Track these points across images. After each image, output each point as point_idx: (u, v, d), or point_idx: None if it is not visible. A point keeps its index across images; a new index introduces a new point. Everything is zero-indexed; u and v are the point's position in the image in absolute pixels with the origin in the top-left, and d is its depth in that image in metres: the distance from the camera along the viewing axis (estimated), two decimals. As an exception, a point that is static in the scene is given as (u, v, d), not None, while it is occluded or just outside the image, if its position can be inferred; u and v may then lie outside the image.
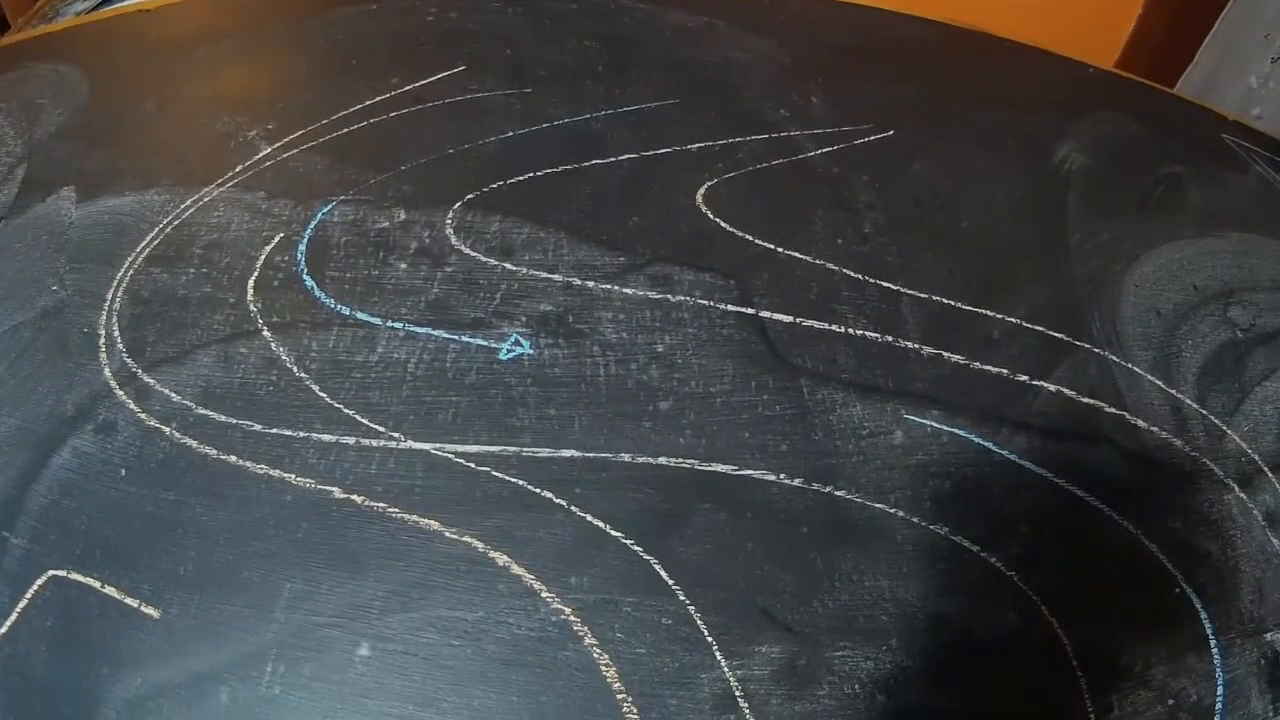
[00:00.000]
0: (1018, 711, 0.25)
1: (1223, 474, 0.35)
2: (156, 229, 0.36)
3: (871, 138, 0.35)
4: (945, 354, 0.29)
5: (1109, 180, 0.41)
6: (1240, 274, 0.45)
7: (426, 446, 0.25)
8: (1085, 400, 0.32)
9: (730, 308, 0.28)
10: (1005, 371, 0.30)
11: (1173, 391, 0.36)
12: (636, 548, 0.23)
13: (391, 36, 0.45)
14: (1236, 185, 0.54)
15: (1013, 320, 0.31)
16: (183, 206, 0.37)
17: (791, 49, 0.38)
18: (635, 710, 0.22)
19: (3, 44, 0.71)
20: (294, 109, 0.40)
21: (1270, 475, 0.37)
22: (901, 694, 0.23)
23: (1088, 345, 0.33)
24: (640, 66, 0.37)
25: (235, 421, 0.28)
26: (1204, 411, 0.36)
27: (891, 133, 0.36)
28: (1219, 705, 0.31)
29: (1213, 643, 0.31)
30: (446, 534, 0.24)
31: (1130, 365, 0.34)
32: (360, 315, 0.28)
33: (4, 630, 0.28)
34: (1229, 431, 0.37)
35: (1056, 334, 0.32)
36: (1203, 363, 0.39)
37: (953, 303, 0.30)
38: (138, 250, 0.36)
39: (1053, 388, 0.30)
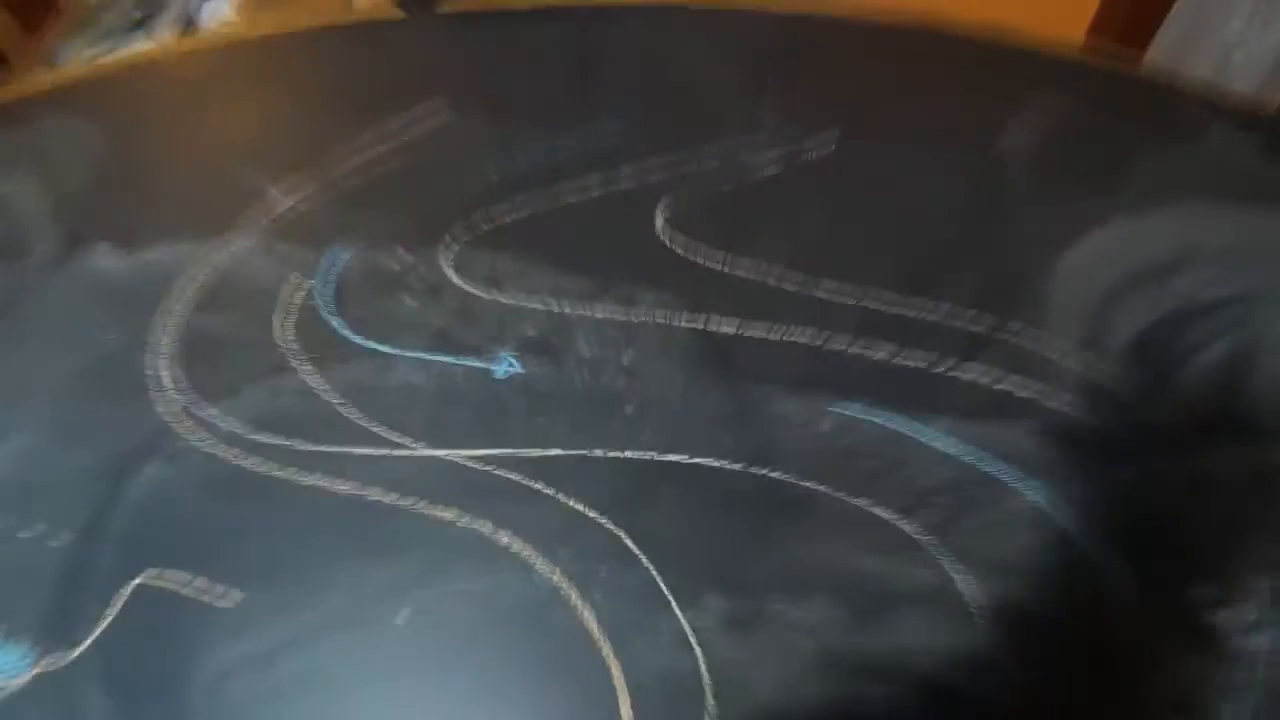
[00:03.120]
0: (927, 650, 0.33)
1: (1146, 448, 0.43)
2: (192, 278, 0.45)
3: (815, 148, 0.43)
4: (870, 352, 0.37)
5: (1046, 167, 0.49)
6: (1176, 249, 0.52)
7: (440, 452, 0.34)
8: (1004, 385, 0.40)
9: (683, 321, 0.36)
10: (926, 363, 0.38)
11: (1097, 370, 0.43)
12: (610, 525, 0.32)
13: (387, 81, 0.54)
14: (1183, 152, 0.60)
15: (938, 313, 0.39)
16: (214, 256, 0.46)
17: (742, 67, 0.46)
18: (611, 651, 0.30)
19: (13, 95, 0.79)
20: (306, 160, 0.49)
21: (1199, 446, 0.44)
22: (827, 638, 0.32)
23: (1009, 331, 0.41)
24: (602, 92, 0.45)
25: (284, 443, 0.37)
26: (1129, 388, 0.44)
27: (832, 142, 0.44)
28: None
29: (1126, 602, 0.39)
30: (459, 522, 0.33)
31: (1048, 349, 0.42)
32: (379, 347, 0.37)
33: (100, 631, 0.38)
34: (1156, 404, 0.45)
35: (977, 327, 0.40)
36: (1133, 341, 0.47)
37: (881, 305, 0.39)
38: (178, 298, 0.45)
39: (970, 375, 0.38)
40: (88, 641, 0.36)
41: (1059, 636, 0.35)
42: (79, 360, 0.44)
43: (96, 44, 0.90)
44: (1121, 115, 0.59)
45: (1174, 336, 0.47)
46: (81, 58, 0.90)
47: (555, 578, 0.32)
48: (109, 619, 0.37)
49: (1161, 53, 0.96)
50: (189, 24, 0.83)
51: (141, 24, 0.84)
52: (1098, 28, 0.85)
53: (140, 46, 0.83)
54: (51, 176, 0.58)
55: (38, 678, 0.36)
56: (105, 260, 0.49)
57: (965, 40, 0.54)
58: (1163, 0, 0.94)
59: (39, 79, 0.85)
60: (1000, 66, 0.55)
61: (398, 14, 0.60)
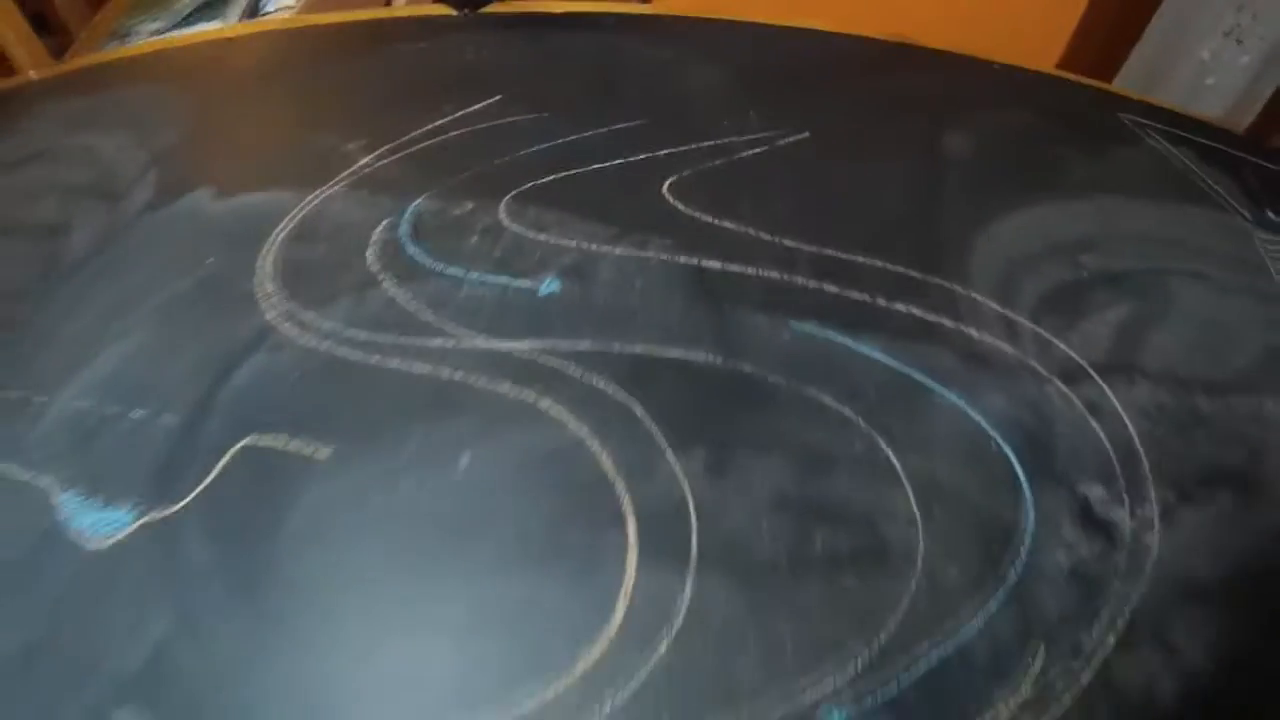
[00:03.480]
0: (859, 501, 0.44)
1: (1046, 372, 0.54)
2: (289, 217, 0.57)
3: (791, 139, 0.55)
4: (825, 286, 0.49)
5: (984, 164, 0.60)
6: (1095, 229, 0.64)
7: (498, 343, 0.46)
8: (930, 317, 0.51)
9: (681, 259, 0.49)
10: (867, 297, 0.50)
11: (1009, 313, 0.55)
12: (622, 396, 0.44)
13: (442, 71, 0.66)
14: (1117, 157, 0.71)
15: (879, 264, 0.51)
16: (306, 201, 0.57)
17: (737, 73, 0.59)
18: (623, 484, 0.42)
19: (89, 62, 0.89)
20: (379, 129, 0.61)
21: (1095, 376, 0.55)
22: (781, 485, 0.44)
23: (938, 279, 0.52)
24: (624, 93, 0.58)
25: (370, 337, 0.48)
26: (1036, 329, 0.56)
27: (807, 134, 0.56)
28: (1029, 524, 0.49)
29: (1024, 483, 0.51)
30: (510, 394, 0.44)
31: (973, 294, 0.54)
32: (450, 270, 0.49)
33: (208, 482, 0.44)
34: (1058, 343, 0.56)
35: (912, 272, 0.52)
36: (1043, 294, 0.57)
37: (836, 254, 0.50)
38: (276, 232, 0.56)
39: (903, 308, 0.50)
40: (190, 497, 0.44)
41: (962, 501, 0.47)
42: (184, 281, 0.53)
43: (169, 24, 1.00)
44: (1063, 125, 0.71)
45: (1082, 295, 0.58)
46: (154, 35, 1.00)
47: (582, 433, 0.43)
48: (211, 477, 0.44)
49: (1133, 78, 1.06)
50: (254, 12, 0.94)
51: (211, 7, 0.96)
52: (1070, 58, 0.94)
53: (210, 28, 0.94)
54: (140, 133, 0.66)
55: (142, 528, 0.43)
56: (204, 204, 0.59)
57: (928, 55, 0.67)
58: (1134, 29, 1.04)
59: (115, 51, 0.94)
60: (956, 79, 0.67)
61: (445, 10, 0.72)
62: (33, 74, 0.83)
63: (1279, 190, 0.75)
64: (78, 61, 0.88)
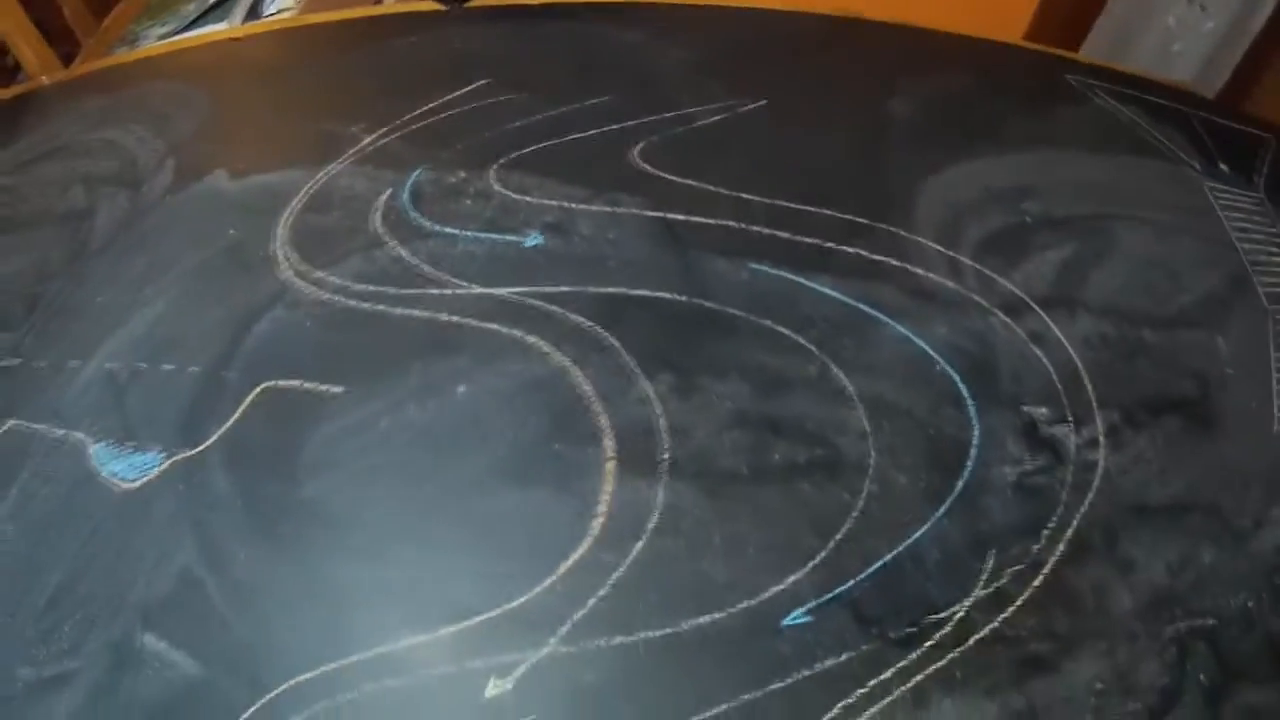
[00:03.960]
0: (812, 418, 0.50)
1: (989, 305, 0.60)
2: (302, 191, 0.63)
3: (748, 107, 0.62)
4: (779, 233, 0.55)
5: (928, 122, 0.66)
6: (1038, 179, 0.68)
7: (489, 290, 0.52)
8: (877, 257, 0.57)
9: (650, 213, 0.55)
10: (818, 241, 0.56)
11: (952, 254, 0.60)
12: (599, 330, 0.50)
13: (433, 60, 0.73)
14: (1062, 114, 0.76)
15: (828, 213, 0.57)
16: (317, 177, 0.64)
17: (700, 52, 0.65)
18: (600, 407, 0.49)
19: (102, 65, 0.95)
20: (378, 113, 0.67)
21: (1038, 309, 0.59)
22: (741, 404, 0.50)
23: (884, 225, 0.58)
24: (598, 73, 0.64)
25: (379, 289, 0.54)
26: (979, 267, 0.61)
27: (764, 103, 0.62)
28: (975, 439, 0.51)
29: (969, 402, 0.56)
30: (502, 331, 0.51)
31: (918, 237, 0.59)
32: (446, 229, 0.55)
33: (231, 423, 0.50)
34: (1000, 279, 0.61)
35: (860, 219, 0.58)
36: (985, 237, 0.62)
37: (789, 204, 0.57)
38: (291, 205, 0.62)
39: (851, 250, 0.56)
40: (214, 437, 0.50)
41: (910, 418, 0.52)
42: (207, 251, 0.60)
43: (176, 28, 1.07)
44: (1006, 86, 0.77)
45: (1025, 238, 0.63)
46: (160, 39, 1.06)
47: (564, 363, 0.50)
48: (233, 419, 0.50)
49: (1099, 46, 1.10)
50: (256, 14, 1.01)
51: (215, 11, 1.03)
52: (1035, 32, 0.96)
53: (214, 29, 1.01)
54: (157, 125, 0.73)
55: (170, 468, 0.49)
56: (221, 184, 0.65)
57: (877, 27, 0.73)
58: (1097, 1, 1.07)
59: (125, 54, 1.01)
60: (903, 48, 0.73)
61: (433, 6, 0.79)
62: (45, 79, 0.90)
63: (1230, 143, 0.78)
64: (91, 65, 0.94)
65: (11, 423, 0.53)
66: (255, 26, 0.95)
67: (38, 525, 0.49)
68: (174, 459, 0.50)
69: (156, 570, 0.47)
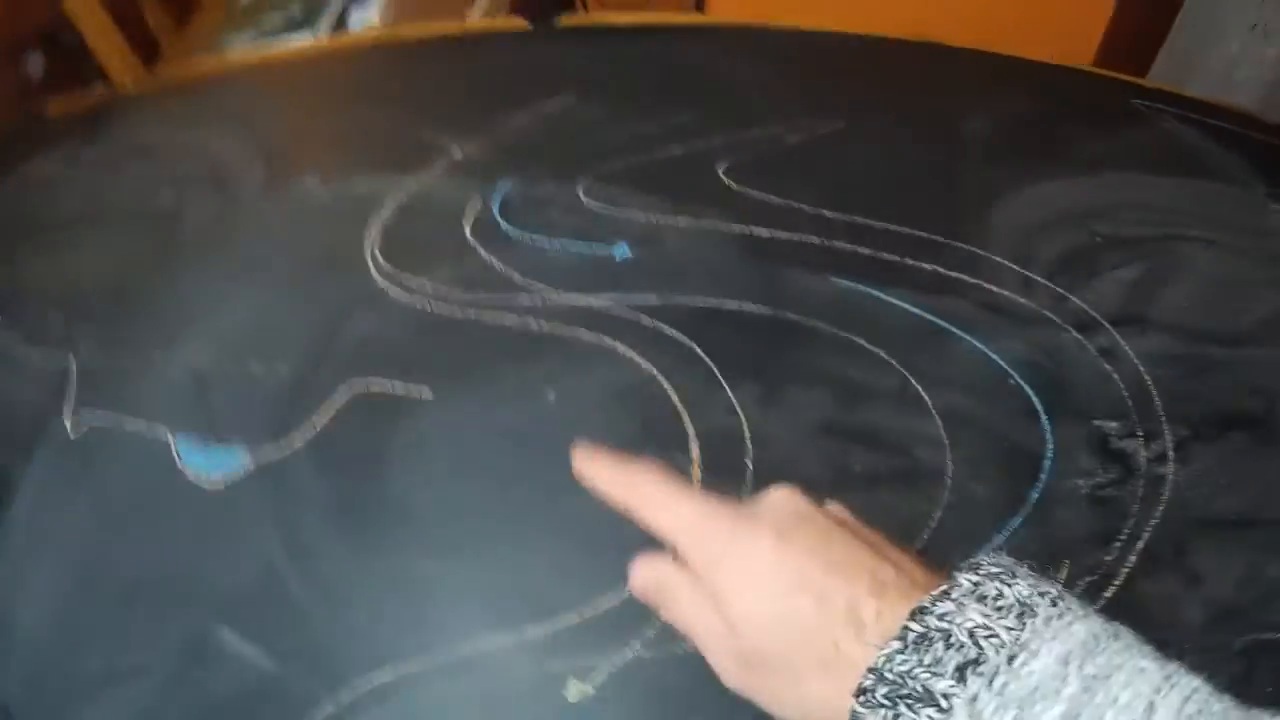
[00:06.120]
0: (892, 429, 0.51)
1: (1061, 321, 0.60)
2: (393, 198, 0.65)
3: (829, 128, 0.63)
4: (859, 249, 0.56)
5: (1001, 144, 0.67)
6: (1107, 200, 0.69)
7: (577, 299, 0.54)
8: (952, 273, 0.58)
9: (735, 228, 0.57)
10: (897, 257, 0.57)
11: (1025, 271, 0.61)
12: (685, 339, 0.52)
13: (520, 75, 0.75)
14: (1128, 137, 0.77)
15: (906, 230, 0.58)
16: (408, 185, 0.66)
17: (782, 73, 0.67)
18: (686, 414, 0.50)
19: (187, 72, 0.96)
20: (467, 125, 0.69)
21: (1108, 326, 0.60)
22: (824, 414, 0.51)
23: (959, 243, 0.59)
24: (681, 91, 0.66)
25: (469, 295, 0.56)
26: (1051, 285, 0.62)
27: (843, 124, 0.64)
28: (1048, 452, 0.52)
29: (1042, 416, 0.57)
30: (589, 339, 0.53)
31: (992, 255, 0.60)
32: (536, 238, 0.57)
33: (318, 423, 0.51)
34: (1071, 297, 0.62)
35: (936, 236, 0.59)
36: (1057, 256, 0.63)
37: (868, 221, 0.58)
38: (382, 211, 0.64)
39: (929, 266, 0.57)
40: (300, 436, 0.50)
41: (985, 430, 0.52)
42: (296, 254, 0.61)
43: (261, 38, 1.08)
44: (1075, 110, 0.77)
45: (1095, 257, 0.63)
46: (248, 49, 1.08)
47: (651, 371, 0.52)
48: (321, 419, 0.51)
49: (1165, 72, 1.09)
50: (341, 27, 1.03)
51: (303, 23, 1.05)
52: (1103, 56, 0.99)
53: (301, 41, 1.02)
54: (246, 130, 0.73)
55: (256, 467, 0.49)
56: (313, 189, 0.67)
57: (952, 53, 0.74)
58: (1162, 28, 1.06)
59: (210, 62, 1.02)
60: (976, 73, 0.74)
61: (519, 25, 0.81)
62: (129, 83, 0.92)
63: (1296, 166, 0.77)
64: (175, 72, 0.96)
65: (96, 416, 0.54)
66: (342, 39, 0.97)
67: (117, 518, 0.50)
68: (259, 456, 0.51)
69: (236, 565, 0.47)
